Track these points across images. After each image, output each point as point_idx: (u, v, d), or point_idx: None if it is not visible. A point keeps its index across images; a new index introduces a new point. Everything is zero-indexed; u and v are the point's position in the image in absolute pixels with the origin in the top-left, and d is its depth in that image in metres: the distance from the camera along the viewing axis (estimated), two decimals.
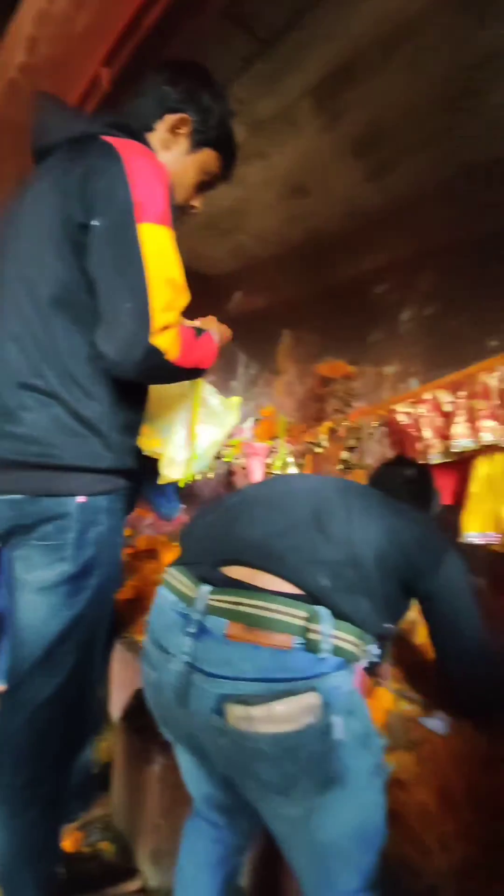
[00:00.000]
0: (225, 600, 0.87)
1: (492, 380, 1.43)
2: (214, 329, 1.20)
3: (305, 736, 0.76)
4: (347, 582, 0.91)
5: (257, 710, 0.76)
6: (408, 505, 1.17)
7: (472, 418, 1.48)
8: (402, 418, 1.69)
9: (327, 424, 2.36)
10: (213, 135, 1.14)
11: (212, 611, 0.86)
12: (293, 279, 3.68)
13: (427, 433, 1.61)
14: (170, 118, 1.10)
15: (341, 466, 2.06)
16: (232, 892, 1.10)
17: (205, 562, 0.96)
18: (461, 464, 1.66)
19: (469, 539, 1.56)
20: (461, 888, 0.81)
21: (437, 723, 1.18)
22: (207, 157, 1.16)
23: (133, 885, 1.38)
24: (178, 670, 0.85)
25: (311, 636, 0.82)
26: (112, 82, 1.89)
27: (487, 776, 0.95)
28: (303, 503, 1.04)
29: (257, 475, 2.50)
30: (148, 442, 1.20)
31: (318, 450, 2.26)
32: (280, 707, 0.76)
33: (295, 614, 0.83)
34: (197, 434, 1.20)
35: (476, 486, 1.53)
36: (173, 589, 0.95)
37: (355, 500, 1.05)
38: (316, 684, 0.79)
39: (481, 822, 0.88)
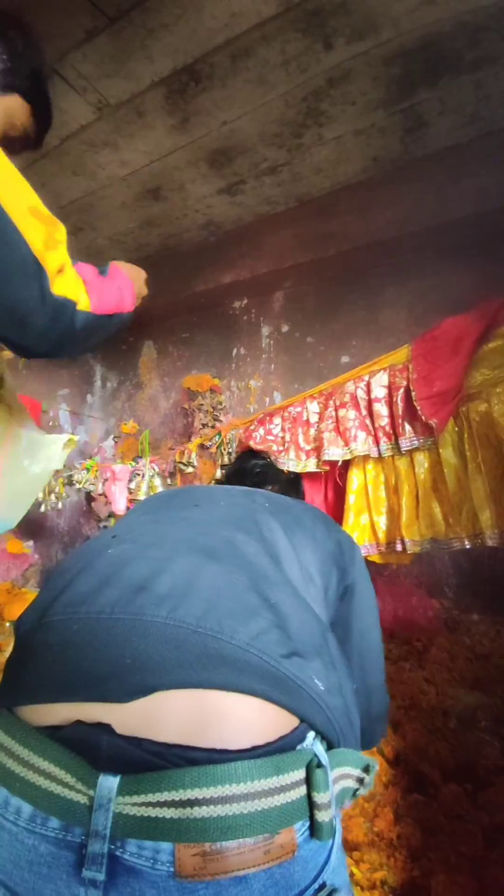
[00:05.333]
0: (155, 802, 0.45)
1: (360, 391, 1.43)
2: (122, 266, 0.95)
3: None
4: (328, 657, 0.61)
5: None
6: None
7: (341, 429, 1.45)
8: (274, 429, 1.60)
9: (197, 441, 2.19)
10: (23, 81, 0.92)
11: (130, 829, 0.45)
12: (152, 288, 3.47)
13: (289, 442, 1.54)
14: None
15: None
16: None
17: (80, 697, 0.52)
18: (320, 479, 1.63)
19: None
20: None
21: None
22: (13, 103, 0.93)
23: None
24: None
25: (320, 813, 0.50)
26: None
27: None
28: (244, 536, 0.71)
29: (120, 503, 2.20)
30: None
31: (189, 469, 2.08)
32: None
33: (291, 782, 0.49)
34: None
35: (352, 498, 1.51)
36: (22, 786, 0.49)
37: (287, 516, 0.83)
38: (325, 879, 0.51)
39: None
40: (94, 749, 0.48)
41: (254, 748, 0.49)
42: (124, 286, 0.89)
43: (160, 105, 2.15)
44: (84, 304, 0.75)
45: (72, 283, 0.74)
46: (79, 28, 1.77)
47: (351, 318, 3.01)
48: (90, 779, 0.47)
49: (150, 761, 0.47)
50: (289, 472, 1.27)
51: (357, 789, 0.60)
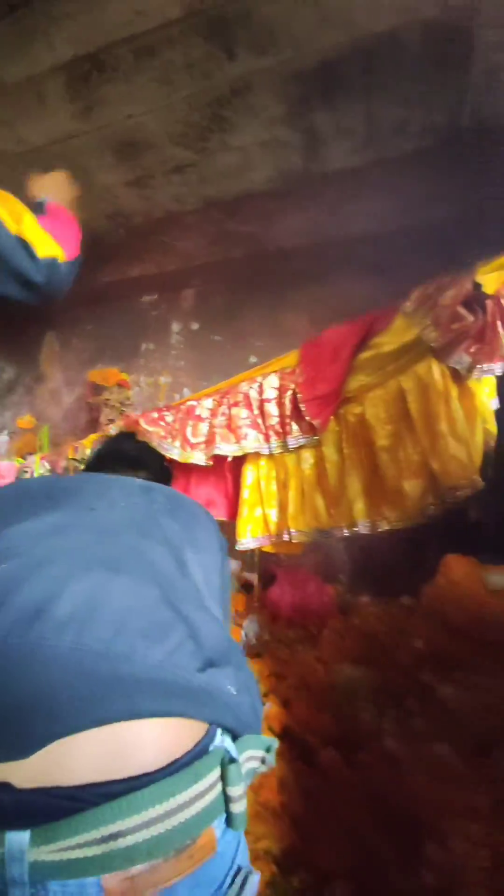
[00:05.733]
0: (75, 845, 0.43)
1: (253, 391, 1.52)
2: (49, 192, 1.09)
3: None
4: (235, 659, 0.63)
5: None
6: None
7: (233, 426, 1.52)
8: (167, 416, 1.61)
9: (92, 436, 2.15)
10: None
11: (51, 873, 0.43)
12: None
13: (177, 431, 1.55)
14: None
15: None
16: None
17: None
18: (217, 475, 1.68)
19: (244, 544, 1.62)
20: None
21: None
22: None
23: None
24: None
25: (234, 805, 0.52)
26: None
27: None
28: (148, 542, 0.67)
29: None
30: None
31: (83, 467, 2.03)
32: None
33: (209, 785, 0.50)
34: None
35: (246, 492, 1.60)
36: None
37: (185, 514, 0.81)
38: (239, 863, 0.54)
39: None
40: None
41: (172, 762, 0.48)
42: (69, 219, 1.02)
43: (61, 90, 2.08)
44: (62, 255, 0.91)
45: (49, 242, 0.88)
46: None
47: (256, 318, 3.13)
48: None
49: (63, 807, 0.43)
50: (169, 459, 1.28)
51: (258, 767, 0.64)
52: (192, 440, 1.50)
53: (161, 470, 1.15)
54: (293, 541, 1.56)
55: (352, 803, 1.39)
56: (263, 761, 0.64)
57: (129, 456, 1.13)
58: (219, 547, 0.83)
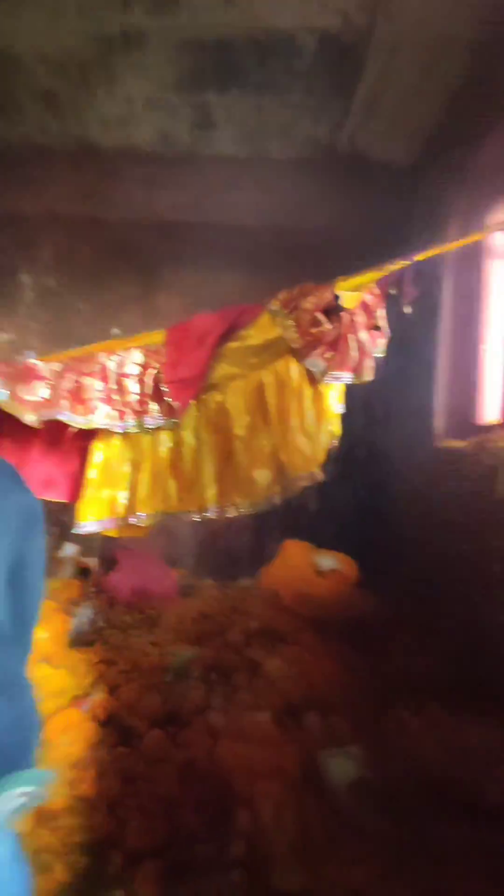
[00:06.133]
0: None
1: (111, 363, 1.42)
2: None
3: None
4: (14, 688, 0.62)
5: None
6: None
7: (83, 397, 1.39)
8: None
9: None
10: None
11: None
12: None
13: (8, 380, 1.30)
14: None
15: None
16: None
17: None
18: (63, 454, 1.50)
19: (85, 527, 1.51)
20: None
21: None
22: None
23: None
24: None
25: None
26: None
27: None
28: None
29: None
30: None
31: None
32: None
33: None
34: None
35: (93, 472, 1.49)
36: None
37: None
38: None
39: None
40: None
41: None
42: None
43: None
44: None
45: None
46: None
47: (126, 291, 2.95)
48: None
49: None
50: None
51: (26, 803, 0.58)
52: (25, 397, 1.28)
53: None
54: (140, 524, 1.51)
55: (169, 780, 1.41)
56: (33, 797, 0.59)
57: None
58: (9, 528, 0.68)
